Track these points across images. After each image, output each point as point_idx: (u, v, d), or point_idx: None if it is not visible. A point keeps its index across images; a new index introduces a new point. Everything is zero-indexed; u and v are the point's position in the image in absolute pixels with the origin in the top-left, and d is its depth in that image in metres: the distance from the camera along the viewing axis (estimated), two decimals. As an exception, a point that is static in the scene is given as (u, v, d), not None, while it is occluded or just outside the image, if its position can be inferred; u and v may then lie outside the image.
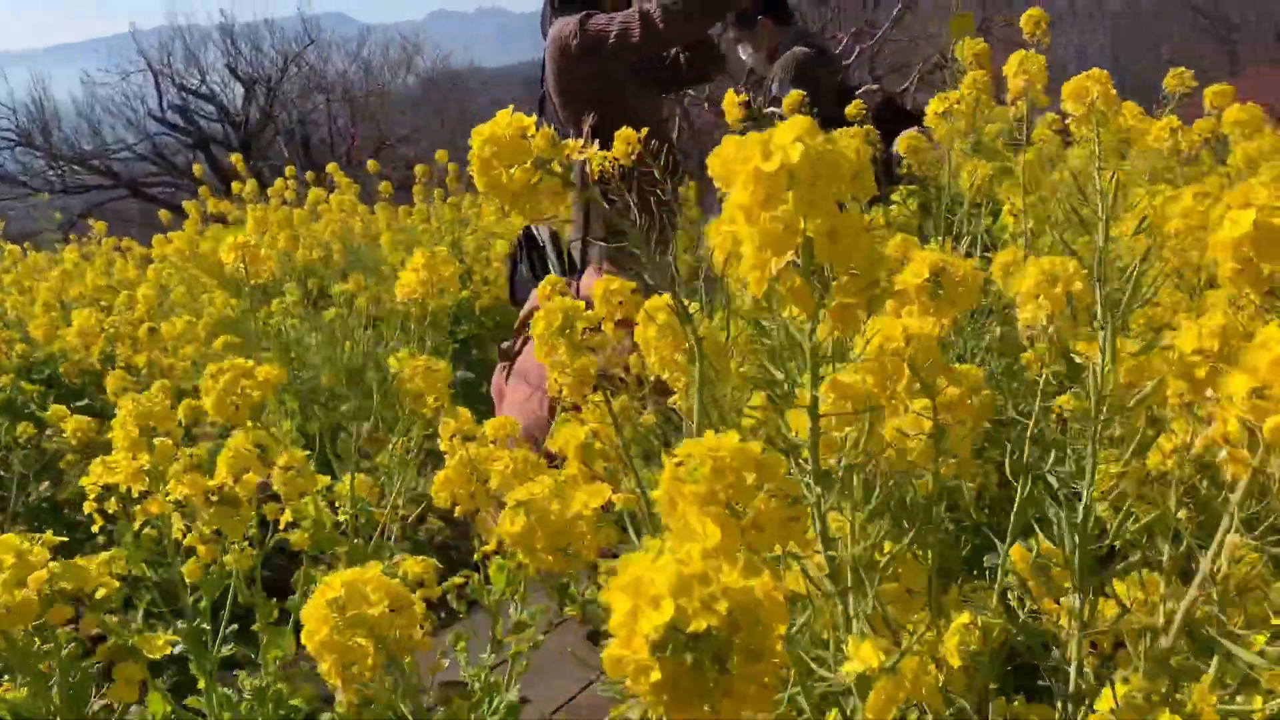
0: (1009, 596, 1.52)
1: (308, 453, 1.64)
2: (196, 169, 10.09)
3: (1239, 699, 1.03)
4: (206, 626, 1.72)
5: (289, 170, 8.38)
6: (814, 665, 0.86)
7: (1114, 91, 1.57)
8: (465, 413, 1.72)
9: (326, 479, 1.73)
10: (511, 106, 1.22)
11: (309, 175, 9.88)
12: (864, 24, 18.94)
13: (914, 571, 1.25)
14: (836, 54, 4.43)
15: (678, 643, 0.59)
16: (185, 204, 8.42)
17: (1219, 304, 2.14)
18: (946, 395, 1.21)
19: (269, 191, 8.22)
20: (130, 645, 1.29)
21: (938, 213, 2.93)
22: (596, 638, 3.25)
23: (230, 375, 1.51)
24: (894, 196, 3.64)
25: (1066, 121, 1.97)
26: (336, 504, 1.80)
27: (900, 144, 3.39)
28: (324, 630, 0.88)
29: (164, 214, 8.69)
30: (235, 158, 8.55)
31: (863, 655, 0.81)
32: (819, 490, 0.86)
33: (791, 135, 0.70)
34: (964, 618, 1.06)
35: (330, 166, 8.18)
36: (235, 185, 8.28)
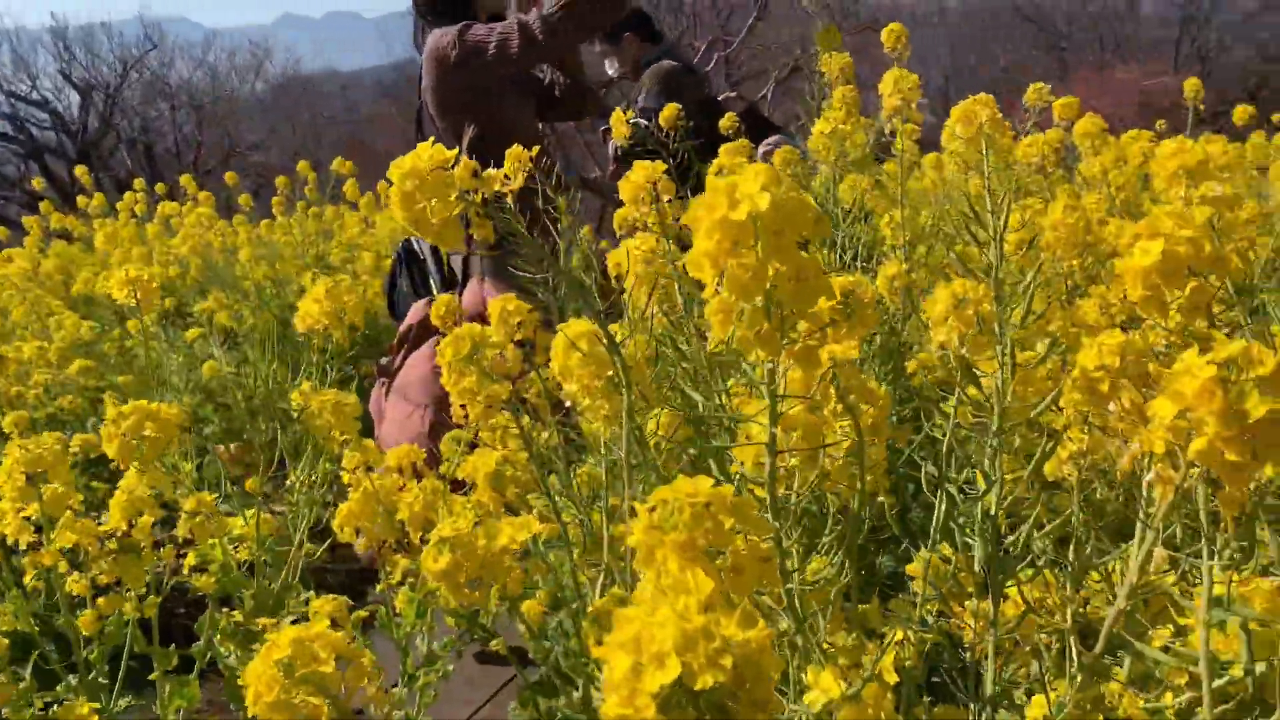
0: (919, 604, 1.57)
1: (215, 496, 1.57)
2: (36, 183, 9.52)
3: (1152, 696, 1.10)
4: (104, 680, 1.62)
5: (138, 183, 8.00)
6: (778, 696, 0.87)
7: (1000, 115, 1.65)
8: (370, 444, 1.68)
9: (237, 520, 1.66)
10: (432, 139, 1.20)
11: (159, 187, 9.46)
12: (719, 32, 19.32)
13: (834, 587, 1.28)
14: (698, 64, 4.52)
15: (682, 699, 0.59)
16: (25, 220, 7.94)
17: (1091, 312, 2.26)
18: (868, 415, 1.24)
19: (118, 205, 7.83)
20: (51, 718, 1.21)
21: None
22: (486, 659, 3.22)
23: (134, 419, 1.43)
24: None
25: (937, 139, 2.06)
26: (235, 543, 1.73)
27: (775, 158, 3.47)
28: (274, 692, 0.85)
29: (0, 230, 8.17)
30: (80, 170, 8.11)
31: (824, 685, 0.82)
32: (777, 525, 0.88)
33: (758, 184, 0.71)
34: (898, 634, 1.09)
35: (184, 178, 7.85)
36: (81, 199, 7.86)
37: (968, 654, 1.49)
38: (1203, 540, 0.99)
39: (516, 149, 2.45)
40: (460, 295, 3.71)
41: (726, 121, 4.10)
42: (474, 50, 3.42)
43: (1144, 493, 0.91)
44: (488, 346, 1.65)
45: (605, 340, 1.26)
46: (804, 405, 1.12)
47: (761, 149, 7.27)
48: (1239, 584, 1.08)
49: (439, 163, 1.18)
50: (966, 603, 1.44)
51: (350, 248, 7.52)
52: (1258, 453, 0.80)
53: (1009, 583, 1.37)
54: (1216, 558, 1.02)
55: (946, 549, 1.61)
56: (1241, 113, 4.38)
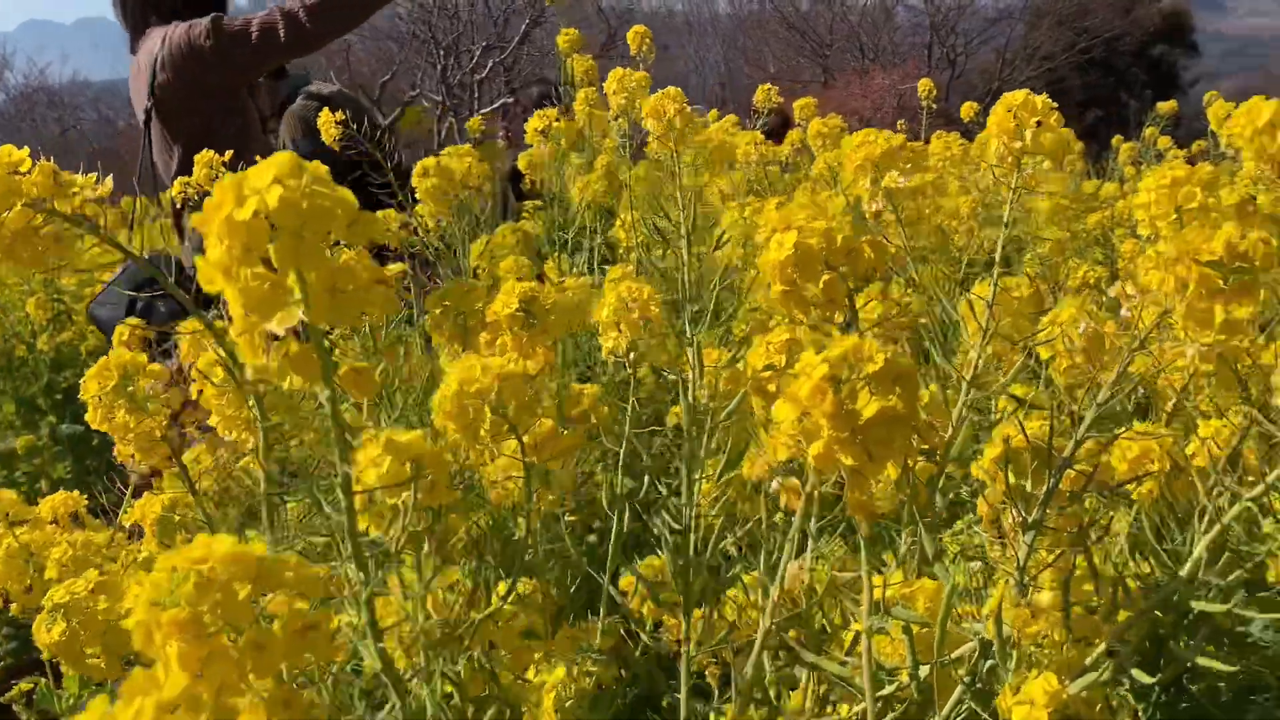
0: (629, 623, 1.50)
1: None
2: None
3: (828, 711, 1.05)
4: None
5: None
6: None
7: (689, 109, 1.59)
8: (9, 494, 1.47)
9: None
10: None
11: None
12: (495, 38, 19.15)
13: (519, 620, 1.18)
14: (351, 98, 4.30)
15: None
16: None
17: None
18: (535, 432, 1.15)
19: None
20: None
21: (552, 229, 2.93)
22: None
23: None
24: (524, 212, 3.62)
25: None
26: None
27: (521, 160, 3.37)
28: None
29: None
30: None
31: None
32: (361, 575, 0.76)
33: (269, 176, 0.59)
34: (559, 673, 1.00)
35: (-116, 199, 7.02)
36: None
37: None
38: (861, 547, 0.95)
39: (207, 154, 2.24)
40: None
41: (474, 122, 3.99)
42: (234, 40, 3.16)
43: (772, 503, 0.85)
44: (142, 377, 1.48)
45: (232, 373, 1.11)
46: (450, 419, 1.02)
47: (519, 157, 7.20)
48: (901, 586, 1.05)
49: (8, 167, 1.01)
50: (667, 618, 1.38)
51: (90, 269, 6.91)
52: (873, 454, 0.75)
53: (702, 592, 1.32)
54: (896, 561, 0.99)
55: (657, 561, 1.55)
56: (968, 109, 4.63)
